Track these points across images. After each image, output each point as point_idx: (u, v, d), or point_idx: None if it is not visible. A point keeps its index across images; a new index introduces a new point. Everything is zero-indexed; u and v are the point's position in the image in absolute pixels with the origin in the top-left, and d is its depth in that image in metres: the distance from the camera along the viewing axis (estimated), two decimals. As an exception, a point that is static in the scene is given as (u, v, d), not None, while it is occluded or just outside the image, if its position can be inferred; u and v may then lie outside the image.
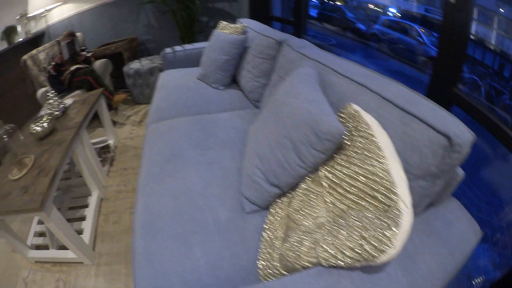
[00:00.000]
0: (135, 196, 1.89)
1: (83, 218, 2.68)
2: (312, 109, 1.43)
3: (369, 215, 1.02)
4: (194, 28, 5.09)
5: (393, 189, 1.01)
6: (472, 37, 1.85)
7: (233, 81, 3.36)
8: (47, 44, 4.58)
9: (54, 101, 2.82)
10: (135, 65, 4.89)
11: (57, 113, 2.79)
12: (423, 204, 1.28)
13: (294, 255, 1.14)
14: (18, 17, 4.88)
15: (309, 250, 1.08)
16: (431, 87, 2.06)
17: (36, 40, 5.19)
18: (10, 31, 4.81)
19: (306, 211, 1.32)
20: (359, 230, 0.98)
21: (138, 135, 4.16)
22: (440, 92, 1.98)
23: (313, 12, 5.77)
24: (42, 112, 2.84)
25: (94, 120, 3.59)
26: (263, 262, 1.33)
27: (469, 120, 1.61)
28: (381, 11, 4.77)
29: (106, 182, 3.24)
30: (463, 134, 1.10)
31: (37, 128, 2.42)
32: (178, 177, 1.91)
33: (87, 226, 2.59)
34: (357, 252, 0.94)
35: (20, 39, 4.95)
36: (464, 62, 1.88)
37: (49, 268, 2.40)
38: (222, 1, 5.35)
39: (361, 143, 1.23)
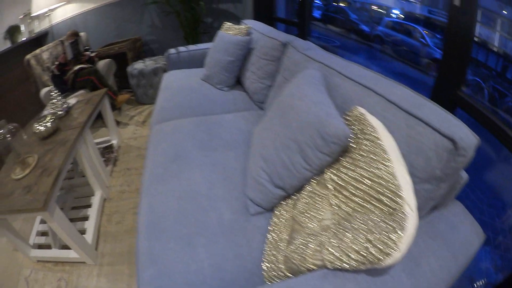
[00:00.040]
0: (138, 197, 1.88)
1: (86, 218, 2.68)
2: (318, 112, 1.42)
3: (375, 218, 1.01)
4: (198, 29, 5.09)
5: (398, 192, 1.01)
6: (475, 39, 1.84)
7: (237, 82, 3.35)
8: (50, 44, 4.57)
9: (57, 101, 2.82)
10: (139, 65, 4.88)
11: (60, 112, 2.78)
12: (428, 207, 1.28)
13: (299, 257, 1.14)
14: (21, 17, 4.88)
15: (315, 253, 1.08)
16: (436, 89, 2.05)
17: (39, 40, 5.18)
18: (13, 31, 4.81)
19: (311, 213, 1.32)
20: (364, 233, 0.98)
21: (141, 135, 4.15)
22: (445, 94, 1.97)
23: (316, 14, 5.76)
24: (45, 112, 2.85)
25: (98, 120, 3.58)
26: (267, 264, 1.32)
27: (472, 122, 1.60)
28: (385, 12, 4.77)
29: (109, 182, 3.24)
30: (468, 138, 1.10)
31: (40, 127, 2.42)
32: (182, 178, 1.90)
33: (90, 226, 2.58)
34: (362, 255, 0.94)
35: (23, 39, 4.95)
36: (468, 65, 1.87)
37: (51, 267, 2.40)
38: (226, 2, 5.35)
39: (367, 146, 1.23)
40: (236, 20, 5.00)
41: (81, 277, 2.30)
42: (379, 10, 4.92)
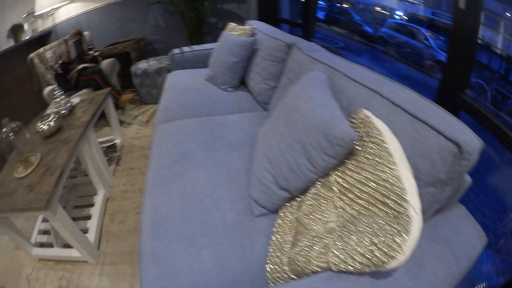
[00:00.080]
0: (141, 196, 1.88)
1: (88, 217, 2.67)
2: (324, 114, 1.42)
3: (380, 221, 1.02)
4: (202, 29, 5.08)
5: (403, 196, 1.01)
6: (479, 41, 1.84)
7: (242, 83, 3.35)
8: (54, 43, 4.58)
9: (61, 100, 2.82)
10: (142, 65, 4.88)
11: (64, 111, 2.78)
12: (432, 210, 1.28)
13: (304, 259, 1.14)
14: (25, 15, 4.88)
15: (320, 255, 1.08)
16: (440, 92, 2.05)
17: (42, 39, 5.19)
18: (17, 29, 4.82)
19: (316, 215, 1.32)
20: (369, 236, 0.98)
21: (145, 135, 4.15)
22: (449, 98, 1.97)
23: (320, 15, 5.76)
24: (48, 111, 2.84)
25: (101, 119, 3.58)
26: (271, 266, 1.32)
27: (474, 125, 1.60)
28: (388, 14, 4.77)
29: (112, 182, 3.23)
30: (472, 142, 1.10)
31: (43, 126, 2.41)
32: (186, 178, 1.90)
33: (92, 225, 2.58)
34: (367, 258, 0.94)
35: (26, 37, 4.96)
36: (473, 69, 1.87)
37: (52, 266, 2.40)
38: (230, 3, 5.35)
39: (372, 149, 1.23)
40: (240, 20, 5.01)
41: (83, 276, 2.29)
42: (382, 11, 4.92)
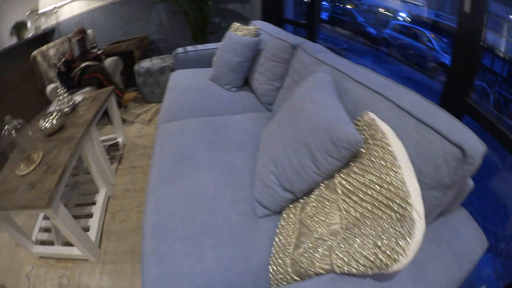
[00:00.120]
0: (143, 195, 1.88)
1: (90, 216, 2.67)
2: (329, 116, 1.41)
3: (383, 224, 1.02)
4: (206, 28, 5.08)
5: (407, 199, 1.01)
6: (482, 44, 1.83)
7: (245, 83, 3.35)
8: (57, 41, 4.59)
9: (63, 98, 2.82)
10: (146, 64, 4.89)
11: (66, 109, 2.78)
12: (434, 214, 1.29)
13: (307, 261, 1.14)
14: (28, 13, 4.89)
15: (323, 257, 1.08)
16: (444, 95, 2.04)
17: (46, 37, 5.20)
18: (20, 27, 4.83)
19: (320, 217, 1.32)
20: (373, 238, 0.98)
21: (147, 134, 4.15)
22: (453, 101, 1.96)
23: (323, 15, 5.76)
24: (51, 108, 2.83)
25: (103, 117, 3.58)
26: (274, 267, 1.32)
27: (477, 128, 1.60)
28: (391, 15, 4.76)
29: (114, 180, 3.23)
30: (476, 146, 1.11)
31: (46, 124, 2.41)
32: (189, 178, 1.90)
33: (93, 223, 2.58)
34: (370, 261, 0.94)
35: (30, 35, 4.96)
36: (477, 73, 1.87)
37: (53, 264, 2.40)
38: (234, 2, 5.35)
39: (377, 152, 1.23)
40: (244, 20, 5.01)
41: (83, 275, 2.29)
42: (386, 12, 4.92)
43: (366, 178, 1.20)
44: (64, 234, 2.12)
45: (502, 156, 2.11)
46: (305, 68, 2.32)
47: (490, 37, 2.28)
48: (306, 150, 1.46)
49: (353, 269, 0.98)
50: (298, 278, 1.19)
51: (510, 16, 2.26)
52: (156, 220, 1.65)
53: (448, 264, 1.23)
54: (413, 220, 0.95)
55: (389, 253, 0.91)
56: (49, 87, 4.06)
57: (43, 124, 2.41)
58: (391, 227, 0.98)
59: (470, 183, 1.30)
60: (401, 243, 0.91)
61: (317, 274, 1.09)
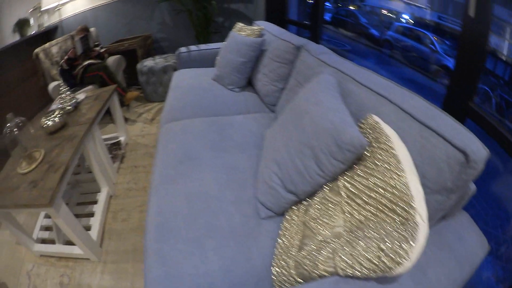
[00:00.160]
0: (145, 195, 1.88)
1: (91, 215, 2.67)
2: (334, 119, 1.42)
3: (387, 227, 1.02)
4: (209, 28, 5.08)
5: (411, 203, 1.01)
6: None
7: (249, 84, 3.35)
8: (60, 38, 4.58)
9: (66, 96, 2.82)
10: (149, 62, 4.89)
11: (69, 108, 2.78)
12: (437, 217, 1.29)
13: (311, 263, 1.14)
14: (31, 10, 4.89)
15: (327, 259, 1.08)
16: (447, 99, 2.04)
17: (48, 34, 5.20)
18: (22, 24, 4.83)
19: (324, 220, 1.32)
20: (377, 241, 0.98)
21: (149, 133, 4.15)
22: (456, 105, 1.97)
23: (326, 16, 5.76)
24: (53, 106, 2.83)
25: (106, 115, 3.56)
26: (277, 269, 1.32)
27: (479, 131, 1.60)
28: (394, 17, 4.77)
29: (116, 179, 3.23)
30: (479, 151, 1.11)
31: (48, 122, 2.41)
32: (192, 178, 1.90)
33: (95, 222, 2.58)
34: (374, 264, 0.95)
35: (32, 32, 4.96)
36: (480, 77, 1.86)
37: (54, 262, 2.40)
38: (237, 2, 5.35)
39: (381, 155, 1.23)
40: (247, 20, 5.00)
41: (84, 274, 2.29)
42: (389, 14, 4.92)
43: (370, 181, 1.21)
44: (66, 233, 2.11)
45: (503, 160, 2.11)
46: (309, 70, 2.32)
47: (493, 40, 2.28)
48: (310, 152, 1.46)
49: (356, 271, 0.98)
50: (301, 280, 1.19)
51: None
52: (159, 220, 1.65)
53: (449, 268, 1.24)
54: (416, 224, 0.95)
55: (393, 256, 0.91)
56: (52, 85, 4.06)
57: (46, 122, 2.41)
58: (395, 230, 0.98)
59: (472, 187, 1.31)
60: (404, 247, 0.91)
61: (321, 277, 1.09)
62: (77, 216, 2.30)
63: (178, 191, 1.81)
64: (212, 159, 2.05)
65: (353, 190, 1.27)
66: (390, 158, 1.19)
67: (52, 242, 2.48)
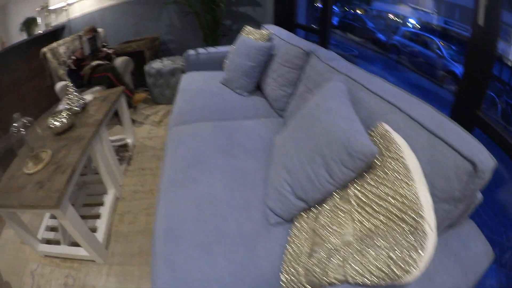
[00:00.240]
0: (152, 197, 1.87)
1: (97, 216, 2.67)
2: (345, 127, 1.42)
3: (396, 236, 1.02)
4: (218, 31, 5.07)
5: (420, 212, 1.02)
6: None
7: (257, 88, 3.35)
8: (67, 38, 4.60)
9: (73, 97, 2.82)
10: (157, 64, 4.89)
11: (76, 109, 2.78)
12: (443, 226, 1.30)
13: (321, 271, 1.14)
14: (38, 9, 4.90)
15: (337, 267, 1.08)
16: (455, 108, 2.05)
17: (56, 34, 5.20)
18: (30, 23, 4.84)
19: (334, 227, 1.31)
20: (386, 250, 0.98)
21: (157, 136, 4.15)
22: (464, 113, 1.97)
23: (333, 21, 5.77)
24: (60, 107, 2.83)
25: (113, 117, 3.56)
26: (286, 276, 1.31)
27: (484, 139, 1.60)
28: (401, 21, 4.77)
29: (123, 181, 3.23)
30: (487, 161, 1.12)
31: (56, 123, 2.41)
32: (202, 183, 1.89)
33: (101, 224, 2.57)
34: (384, 272, 0.95)
35: (40, 31, 4.97)
36: (488, 87, 1.86)
37: (58, 263, 2.40)
38: (246, 5, 5.34)
39: (391, 164, 1.24)
40: (256, 24, 4.99)
41: (89, 275, 2.29)
42: (395, 19, 4.92)
43: (380, 190, 1.21)
44: (72, 234, 2.11)
45: (509, 168, 2.10)
46: (319, 76, 2.32)
47: (500, 46, 2.28)
48: (321, 160, 1.46)
49: (366, 280, 0.98)
50: (310, 288, 1.18)
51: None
52: (167, 224, 1.65)
53: (455, 275, 1.27)
54: (425, 233, 0.95)
55: (402, 265, 0.92)
56: (59, 85, 4.07)
57: (53, 123, 2.41)
58: (404, 239, 0.99)
59: (479, 196, 1.32)
60: (413, 255, 0.91)
61: (331, 284, 1.09)
62: (83, 217, 2.28)
63: (187, 195, 1.81)
64: (220, 164, 2.05)
65: (363, 199, 1.27)
66: (400, 167, 1.19)
67: (57, 243, 2.48)
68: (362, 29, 5.60)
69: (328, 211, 1.42)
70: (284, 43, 2.94)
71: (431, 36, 4.12)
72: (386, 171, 1.24)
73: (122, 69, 4.57)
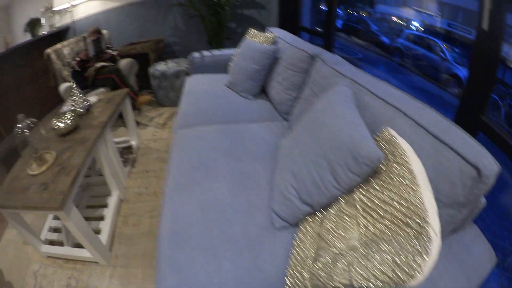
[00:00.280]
0: (156, 200, 1.87)
1: (101, 218, 2.67)
2: (351, 132, 1.42)
3: (401, 241, 1.03)
4: (222, 34, 5.08)
5: (425, 217, 1.02)
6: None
7: (262, 91, 3.35)
8: (72, 39, 4.59)
9: (78, 98, 2.82)
10: (161, 67, 4.89)
11: (80, 110, 2.78)
12: (447, 230, 1.30)
13: (326, 275, 1.14)
14: (43, 10, 4.91)
15: (342, 272, 1.08)
16: (460, 112, 2.06)
17: (60, 35, 5.21)
18: (34, 24, 4.85)
19: (339, 232, 1.31)
20: (391, 255, 0.99)
21: (161, 138, 4.15)
22: (469, 118, 1.98)
23: (337, 23, 5.77)
24: (65, 108, 2.83)
25: (117, 119, 3.56)
26: (291, 280, 1.31)
27: (488, 143, 1.60)
28: (405, 24, 4.77)
29: (127, 183, 3.23)
30: (491, 166, 1.12)
31: (60, 124, 2.42)
32: (207, 187, 1.90)
33: (105, 226, 2.58)
34: (389, 277, 0.95)
35: (44, 32, 4.98)
36: (492, 91, 1.86)
37: (61, 264, 2.40)
38: (251, 8, 5.35)
39: (397, 169, 1.24)
40: (260, 27, 5.00)
41: (92, 277, 2.29)
42: (399, 21, 4.92)
43: (386, 194, 1.21)
44: (75, 236, 2.11)
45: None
46: (324, 80, 2.32)
47: (504, 49, 2.27)
48: (327, 165, 1.46)
49: (371, 284, 0.98)
50: (315, 292, 1.18)
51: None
52: (172, 228, 1.65)
53: (458, 280, 1.27)
54: (429, 238, 0.96)
55: (407, 270, 0.92)
56: (63, 86, 4.07)
57: (57, 124, 2.41)
58: (409, 244, 0.99)
59: (483, 200, 1.32)
60: (418, 260, 0.92)
61: (336, 289, 1.09)
62: (87, 219, 2.30)
63: (191, 199, 1.81)
64: (225, 167, 2.06)
65: (368, 203, 1.27)
66: (406, 172, 1.19)
67: (60, 244, 2.48)
68: (366, 32, 5.60)
69: (333, 215, 1.42)
70: (289, 46, 2.94)
71: (434, 39, 4.11)
72: (391, 176, 1.24)
73: (126, 71, 4.58)
